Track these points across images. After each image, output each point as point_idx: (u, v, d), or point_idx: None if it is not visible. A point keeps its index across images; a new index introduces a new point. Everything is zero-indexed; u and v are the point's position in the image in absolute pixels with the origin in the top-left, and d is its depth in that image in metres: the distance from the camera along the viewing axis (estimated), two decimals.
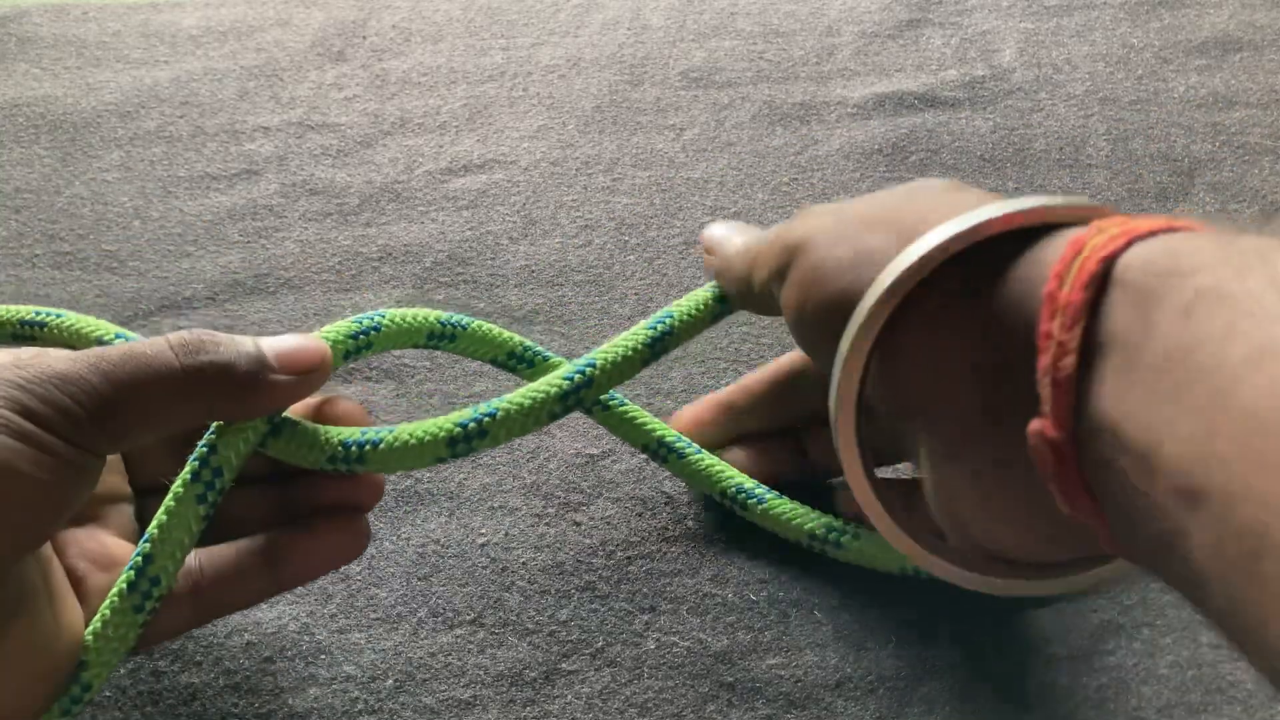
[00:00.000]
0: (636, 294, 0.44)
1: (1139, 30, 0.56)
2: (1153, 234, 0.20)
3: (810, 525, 0.34)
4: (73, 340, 0.34)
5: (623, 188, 0.49)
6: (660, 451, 0.36)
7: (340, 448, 0.30)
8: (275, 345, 0.28)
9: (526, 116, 0.53)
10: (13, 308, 0.35)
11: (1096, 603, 0.35)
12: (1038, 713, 0.33)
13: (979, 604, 0.35)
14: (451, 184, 0.49)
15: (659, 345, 0.33)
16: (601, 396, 0.34)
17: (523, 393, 0.31)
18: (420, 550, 0.37)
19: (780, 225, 0.29)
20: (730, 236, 0.33)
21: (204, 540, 0.30)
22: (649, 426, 0.36)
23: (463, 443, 0.29)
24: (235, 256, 0.46)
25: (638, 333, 0.33)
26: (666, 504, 0.38)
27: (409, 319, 0.33)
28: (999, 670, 0.33)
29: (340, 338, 0.31)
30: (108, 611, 0.28)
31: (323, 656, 0.34)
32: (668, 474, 0.38)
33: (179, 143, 0.51)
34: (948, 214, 0.23)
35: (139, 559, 0.28)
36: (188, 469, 0.29)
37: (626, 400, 0.36)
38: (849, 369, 0.24)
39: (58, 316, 0.34)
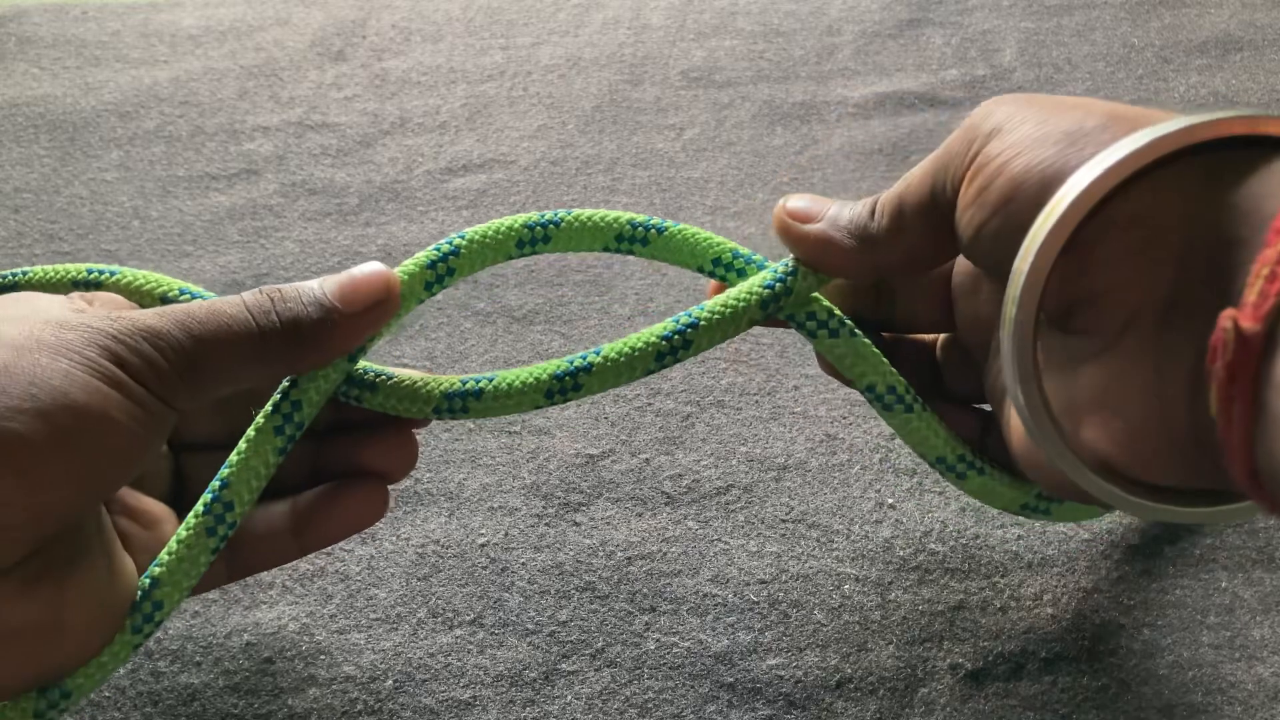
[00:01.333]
0: (636, 294, 0.44)
1: (1140, 30, 0.56)
2: None
3: (943, 450, 0.31)
4: (45, 290, 0.33)
5: (623, 188, 0.49)
6: (810, 326, 0.31)
7: (444, 399, 0.30)
8: (336, 281, 0.28)
9: (526, 116, 0.53)
10: (65, 266, 0.34)
11: (1097, 602, 0.35)
12: (1038, 713, 0.33)
13: (979, 604, 0.35)
14: (451, 184, 0.49)
15: (771, 304, 0.30)
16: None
17: (620, 346, 0.29)
18: (420, 550, 0.37)
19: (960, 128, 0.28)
20: (821, 200, 0.30)
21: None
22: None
23: (559, 394, 0.30)
24: (235, 256, 0.46)
25: (752, 289, 0.30)
26: (666, 504, 0.38)
27: (491, 232, 0.31)
28: (999, 671, 0.33)
29: (417, 269, 0.30)
30: (183, 534, 0.28)
31: (322, 657, 0.34)
32: (668, 474, 0.38)
33: (178, 142, 0.51)
34: (1168, 117, 0.23)
35: (216, 484, 0.28)
36: (270, 402, 0.29)
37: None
38: (1052, 239, 0.23)
39: (25, 274, 0.33)
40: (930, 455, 0.32)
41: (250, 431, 0.29)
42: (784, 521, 0.37)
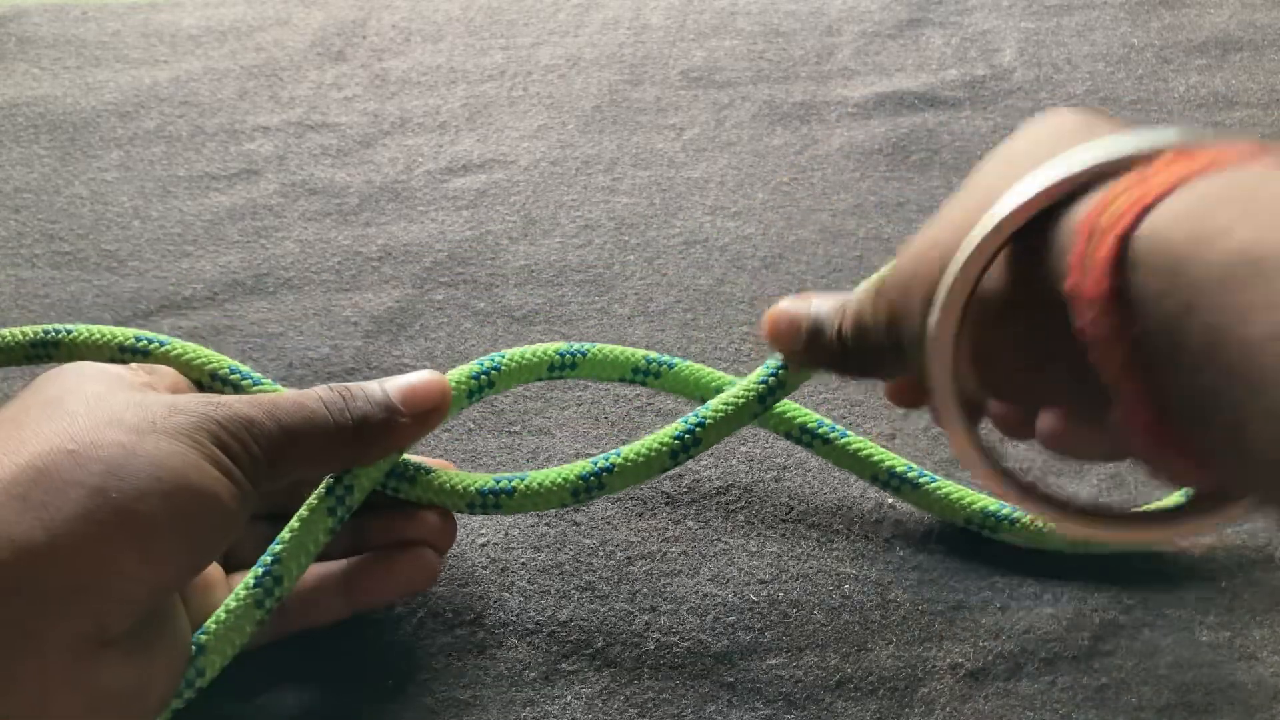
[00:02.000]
0: (636, 294, 0.44)
1: (1139, 30, 0.56)
2: (1163, 196, 0.19)
3: (966, 513, 0.35)
4: (89, 353, 0.34)
5: (623, 188, 0.49)
6: (805, 439, 0.36)
7: (478, 495, 0.33)
8: (399, 385, 0.31)
9: (526, 116, 0.53)
10: (21, 329, 0.35)
11: (1097, 602, 0.35)
12: (1038, 713, 0.33)
13: (979, 604, 0.35)
14: (451, 184, 0.49)
15: (769, 397, 0.33)
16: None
17: (638, 448, 0.33)
18: None
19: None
20: (810, 301, 0.31)
21: None
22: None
23: (584, 493, 0.33)
24: (235, 256, 0.46)
25: (749, 387, 0.33)
26: (666, 504, 0.38)
27: (529, 355, 0.36)
28: (999, 670, 0.33)
29: (464, 378, 0.34)
30: (232, 603, 0.29)
31: (322, 657, 0.34)
32: (668, 474, 0.38)
33: (179, 142, 0.51)
34: (1005, 186, 0.22)
35: (268, 559, 0.30)
36: (323, 485, 0.31)
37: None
38: (940, 380, 0.24)
39: (68, 332, 0.35)
40: (958, 519, 0.36)
41: (303, 511, 0.31)
42: (784, 521, 0.37)
